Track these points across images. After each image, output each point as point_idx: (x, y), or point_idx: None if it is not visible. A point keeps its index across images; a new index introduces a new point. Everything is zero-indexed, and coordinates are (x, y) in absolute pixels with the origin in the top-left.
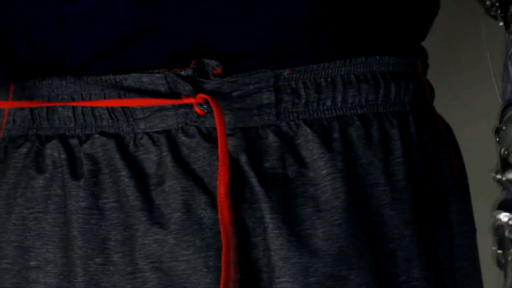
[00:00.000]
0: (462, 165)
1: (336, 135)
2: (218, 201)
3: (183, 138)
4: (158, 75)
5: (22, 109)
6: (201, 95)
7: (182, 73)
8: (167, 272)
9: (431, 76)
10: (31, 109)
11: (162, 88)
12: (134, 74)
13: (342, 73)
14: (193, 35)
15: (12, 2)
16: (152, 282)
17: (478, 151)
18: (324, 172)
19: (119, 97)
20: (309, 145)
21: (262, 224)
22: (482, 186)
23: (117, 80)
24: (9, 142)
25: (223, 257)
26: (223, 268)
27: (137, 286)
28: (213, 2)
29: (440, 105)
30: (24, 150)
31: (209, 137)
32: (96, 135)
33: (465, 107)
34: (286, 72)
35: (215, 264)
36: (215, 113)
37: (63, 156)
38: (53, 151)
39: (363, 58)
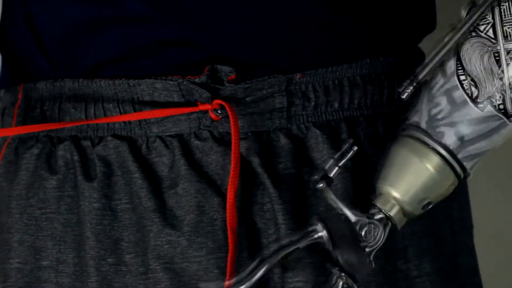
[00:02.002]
0: None
1: (344, 135)
2: (227, 206)
3: (196, 142)
4: (172, 82)
5: (33, 110)
6: (217, 101)
7: (197, 80)
8: (179, 273)
9: None
10: (42, 111)
11: (176, 95)
12: (148, 80)
13: (349, 75)
14: (207, 45)
15: (20, 1)
16: (165, 283)
17: None
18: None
19: (132, 101)
20: (319, 146)
21: (274, 226)
22: (480, 184)
23: (130, 84)
24: (20, 143)
25: (228, 261)
26: (228, 272)
27: (149, 287)
28: (225, 14)
29: None
30: (35, 151)
31: (222, 141)
32: (109, 138)
33: None
34: (297, 76)
35: (227, 266)
36: (231, 119)
37: (76, 157)
38: (66, 152)
39: (368, 59)
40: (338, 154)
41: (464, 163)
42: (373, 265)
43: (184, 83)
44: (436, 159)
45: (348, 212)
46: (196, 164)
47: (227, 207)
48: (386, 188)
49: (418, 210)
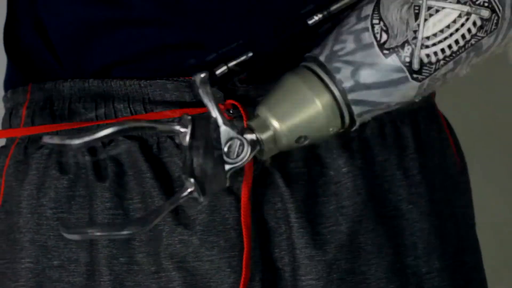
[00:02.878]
0: (463, 161)
1: (353, 135)
2: (242, 205)
3: None
4: (183, 83)
5: (42, 110)
6: (230, 101)
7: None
8: (192, 272)
9: None
10: (52, 111)
11: (187, 95)
12: (159, 81)
13: None
14: (212, 47)
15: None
16: (177, 282)
17: (475, 146)
18: (344, 170)
19: (143, 101)
20: (329, 145)
21: (286, 224)
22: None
23: (142, 85)
24: (29, 143)
25: (244, 258)
26: (243, 269)
27: (162, 286)
28: (229, 15)
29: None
30: (45, 151)
31: None
32: (120, 138)
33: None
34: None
35: (239, 264)
36: (245, 119)
37: (87, 158)
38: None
39: None
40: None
41: (353, 106)
42: (227, 184)
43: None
44: (327, 97)
45: (218, 116)
46: None
47: (242, 205)
48: (265, 112)
49: (291, 144)
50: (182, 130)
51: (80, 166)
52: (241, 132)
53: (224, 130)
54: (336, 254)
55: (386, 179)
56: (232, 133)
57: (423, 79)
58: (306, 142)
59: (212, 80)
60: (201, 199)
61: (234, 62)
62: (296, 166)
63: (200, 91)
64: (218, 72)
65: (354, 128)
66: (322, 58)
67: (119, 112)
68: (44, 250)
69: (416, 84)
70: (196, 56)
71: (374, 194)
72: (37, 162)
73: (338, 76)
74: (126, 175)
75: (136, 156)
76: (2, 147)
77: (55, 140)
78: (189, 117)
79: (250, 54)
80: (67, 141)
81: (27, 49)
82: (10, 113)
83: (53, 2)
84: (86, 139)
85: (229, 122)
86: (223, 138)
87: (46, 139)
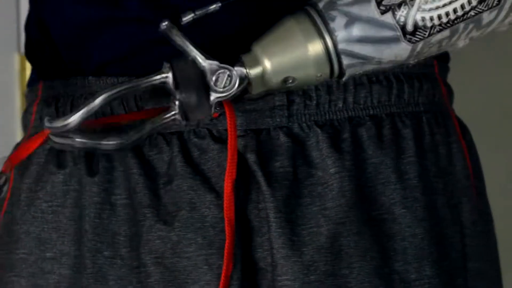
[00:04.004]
0: (477, 167)
1: (346, 135)
2: (225, 197)
3: (195, 139)
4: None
5: (48, 106)
6: None
7: None
8: (169, 268)
9: (460, 78)
10: (57, 108)
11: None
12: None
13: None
14: (202, 45)
15: (33, 5)
16: (154, 277)
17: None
18: (332, 170)
19: (135, 98)
20: (319, 145)
21: (267, 224)
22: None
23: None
24: None
25: (225, 251)
26: (224, 262)
27: (141, 280)
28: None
29: (462, 107)
30: (47, 146)
31: (220, 139)
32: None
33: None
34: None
35: (216, 262)
36: (227, 112)
37: (82, 153)
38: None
39: None
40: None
41: (343, 57)
42: (212, 111)
43: None
44: (318, 44)
45: (197, 54)
46: (193, 162)
47: (225, 197)
48: (257, 49)
49: (276, 83)
50: (164, 75)
51: (76, 161)
52: (232, 64)
53: (208, 63)
54: (314, 256)
55: (379, 182)
56: (214, 66)
57: (416, 41)
58: (293, 84)
59: (179, 28)
60: (183, 123)
61: (201, 11)
62: (281, 165)
63: (171, 37)
64: (184, 19)
65: (344, 79)
66: (321, 4)
67: (114, 109)
68: (38, 242)
69: (408, 46)
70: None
71: (364, 197)
72: (38, 156)
73: (332, 25)
74: (116, 171)
75: (125, 152)
76: (17, 144)
77: (55, 124)
78: (168, 64)
79: (219, 5)
80: (66, 121)
81: (37, 48)
82: (26, 111)
83: (50, 1)
84: (83, 111)
85: (208, 56)
86: (209, 70)
87: (47, 124)
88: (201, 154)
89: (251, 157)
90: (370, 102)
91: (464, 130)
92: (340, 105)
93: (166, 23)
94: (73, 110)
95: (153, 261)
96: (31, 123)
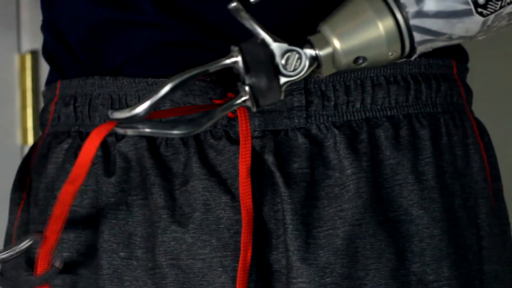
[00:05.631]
0: (495, 169)
1: (363, 136)
2: (240, 183)
3: (211, 140)
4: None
5: (66, 106)
6: (230, 95)
7: (208, 79)
8: (184, 270)
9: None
10: (75, 107)
11: (190, 94)
12: (164, 79)
13: (372, 75)
14: (214, 47)
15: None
16: (169, 279)
17: None
18: (349, 171)
19: None
20: (337, 146)
21: (283, 226)
22: None
23: (149, 83)
24: (53, 138)
25: (242, 238)
26: (242, 249)
27: (156, 282)
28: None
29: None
30: (65, 145)
31: (236, 141)
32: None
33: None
34: (315, 74)
35: (231, 264)
36: (241, 107)
37: (99, 153)
38: None
39: None
40: None
41: (414, 33)
42: (282, 96)
43: (196, 82)
44: (389, 20)
45: (266, 36)
46: (208, 163)
47: (240, 183)
48: (326, 29)
49: (348, 63)
50: (234, 60)
51: (94, 161)
52: (301, 45)
53: (277, 45)
54: (330, 258)
55: (397, 183)
56: (284, 47)
57: (487, 14)
58: (364, 64)
59: (248, 7)
60: (254, 108)
61: None
62: (299, 167)
63: (240, 20)
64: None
65: (414, 57)
66: None
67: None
68: None
69: (480, 19)
70: (196, 55)
71: (381, 198)
72: (56, 156)
73: (402, 1)
74: (133, 171)
75: (143, 152)
76: (35, 142)
77: (121, 114)
78: (236, 47)
79: None
80: (134, 112)
81: (52, 48)
82: (44, 109)
83: (62, 4)
84: (151, 100)
85: (277, 38)
86: (278, 52)
87: (112, 115)
88: (217, 155)
89: (269, 158)
90: (387, 103)
91: (482, 131)
92: (358, 106)
93: (235, 4)
94: (91, 109)
95: (168, 263)
96: (49, 122)
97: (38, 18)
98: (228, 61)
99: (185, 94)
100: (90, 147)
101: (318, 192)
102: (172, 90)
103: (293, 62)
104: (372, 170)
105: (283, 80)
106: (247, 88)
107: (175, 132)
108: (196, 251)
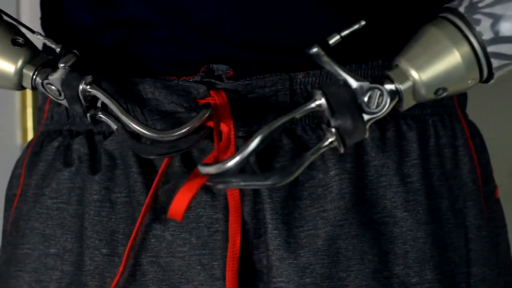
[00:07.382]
0: (487, 171)
1: None
2: None
3: None
4: (168, 82)
5: (59, 105)
6: (213, 92)
7: (191, 79)
8: (164, 267)
9: None
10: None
11: (175, 94)
12: (149, 79)
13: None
14: (203, 45)
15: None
16: (149, 276)
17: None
18: (332, 173)
19: (139, 98)
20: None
21: (264, 225)
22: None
23: (135, 82)
24: (46, 136)
25: (230, 225)
26: (230, 237)
27: (137, 279)
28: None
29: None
30: (56, 144)
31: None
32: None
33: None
34: (301, 75)
35: (209, 263)
36: (216, 99)
37: (86, 151)
38: (80, 146)
39: (380, 61)
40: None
41: (492, 59)
42: (367, 134)
43: (180, 83)
44: (466, 48)
45: (348, 77)
46: (191, 162)
47: None
48: (404, 62)
49: (429, 95)
50: (318, 103)
51: (82, 159)
52: (381, 82)
53: (359, 85)
54: (310, 258)
55: (381, 184)
56: (366, 85)
57: None
58: (445, 94)
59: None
60: (342, 149)
61: (347, 32)
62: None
63: (321, 63)
64: (331, 42)
65: (491, 82)
66: (461, 9)
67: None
68: (42, 238)
69: None
70: (185, 53)
71: (365, 199)
72: (46, 154)
73: (478, 28)
74: (118, 169)
75: (127, 150)
76: (30, 140)
77: (212, 170)
78: (319, 91)
79: (363, 23)
80: (225, 167)
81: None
82: (39, 108)
83: (57, 5)
84: (241, 155)
85: (358, 77)
86: (361, 91)
87: (203, 170)
88: (200, 154)
89: (251, 158)
90: None
91: (473, 133)
92: None
93: (316, 49)
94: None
95: (148, 260)
96: (43, 120)
97: (38, 18)
98: (312, 105)
99: (170, 93)
100: (182, 203)
101: (301, 192)
102: (262, 142)
103: (376, 99)
104: (356, 171)
105: (366, 117)
106: (333, 130)
107: (268, 182)
108: (176, 249)
